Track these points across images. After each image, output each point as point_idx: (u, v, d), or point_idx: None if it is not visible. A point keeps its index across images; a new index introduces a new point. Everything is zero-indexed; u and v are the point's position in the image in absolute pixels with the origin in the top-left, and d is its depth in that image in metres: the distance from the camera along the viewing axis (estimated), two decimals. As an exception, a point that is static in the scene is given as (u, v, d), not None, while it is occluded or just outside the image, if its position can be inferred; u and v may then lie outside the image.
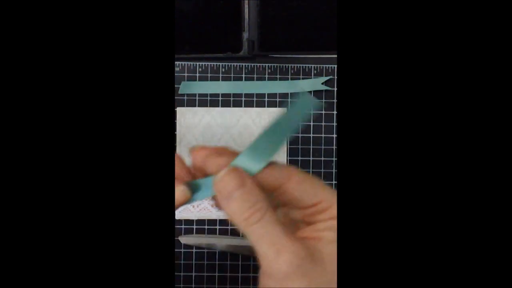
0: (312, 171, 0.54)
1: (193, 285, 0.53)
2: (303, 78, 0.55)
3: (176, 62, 0.55)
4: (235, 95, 0.55)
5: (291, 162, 0.54)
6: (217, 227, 0.53)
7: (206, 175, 0.26)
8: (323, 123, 0.54)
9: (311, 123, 0.54)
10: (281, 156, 0.54)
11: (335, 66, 0.55)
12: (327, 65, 0.55)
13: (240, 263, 0.53)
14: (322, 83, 0.55)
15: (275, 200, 0.26)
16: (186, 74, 0.55)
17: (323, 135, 0.54)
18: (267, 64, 0.55)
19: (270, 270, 0.23)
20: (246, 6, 0.53)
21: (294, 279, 0.23)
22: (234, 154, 0.26)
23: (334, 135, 0.54)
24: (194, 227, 0.53)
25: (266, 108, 0.54)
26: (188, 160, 0.26)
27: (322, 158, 0.54)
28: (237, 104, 0.55)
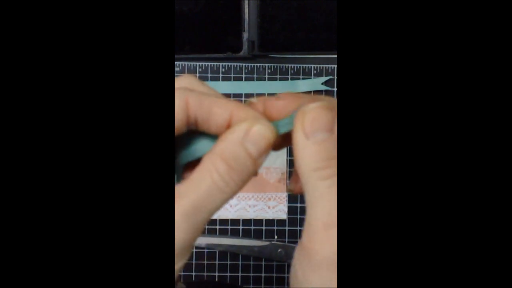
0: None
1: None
2: (303, 78, 0.55)
3: (176, 62, 0.55)
4: (235, 95, 0.55)
5: (291, 162, 0.54)
6: (217, 227, 0.54)
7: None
8: (323, 123, 0.54)
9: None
10: (281, 156, 0.54)
11: (335, 66, 0.55)
12: (327, 65, 0.55)
13: (240, 263, 0.53)
14: (322, 83, 0.55)
15: None
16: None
17: (323, 135, 0.54)
18: (267, 64, 0.55)
19: (310, 244, 0.20)
20: (246, 6, 0.53)
21: (329, 268, 0.20)
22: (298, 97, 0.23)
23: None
24: (194, 227, 0.53)
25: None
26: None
27: (322, 158, 0.54)
28: (237, 104, 0.55)
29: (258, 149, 0.21)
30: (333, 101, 0.23)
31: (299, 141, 0.21)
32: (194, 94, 0.22)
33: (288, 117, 0.22)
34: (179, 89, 0.22)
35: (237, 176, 0.21)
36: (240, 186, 0.21)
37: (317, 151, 0.20)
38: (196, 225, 0.21)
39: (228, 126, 0.22)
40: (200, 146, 0.24)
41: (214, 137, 0.23)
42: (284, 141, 0.24)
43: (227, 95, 0.55)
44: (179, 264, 0.22)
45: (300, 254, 0.21)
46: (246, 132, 0.21)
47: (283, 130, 0.22)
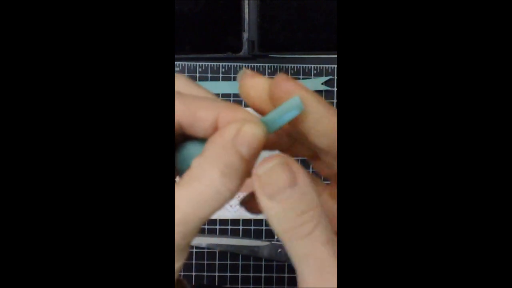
0: (312, 171, 0.54)
1: (193, 284, 0.53)
2: (303, 78, 0.55)
3: (176, 62, 0.55)
4: (235, 95, 0.55)
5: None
6: (217, 227, 0.53)
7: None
8: (323, 123, 0.54)
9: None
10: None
11: (335, 66, 0.55)
12: (327, 65, 0.55)
13: (240, 263, 0.53)
14: (322, 83, 0.55)
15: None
16: (186, 74, 0.55)
17: (323, 135, 0.54)
18: (267, 64, 0.55)
19: None
20: (246, 6, 0.53)
21: None
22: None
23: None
24: (194, 227, 0.53)
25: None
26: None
27: (322, 158, 0.54)
28: (237, 104, 0.55)
29: (249, 150, 0.20)
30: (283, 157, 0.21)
31: (264, 204, 0.20)
32: (177, 100, 0.21)
33: (276, 109, 0.22)
34: None
35: (229, 182, 0.20)
36: (233, 191, 0.20)
37: (287, 210, 0.19)
38: (186, 234, 0.20)
39: (216, 128, 0.21)
40: (191, 150, 0.23)
41: (204, 140, 0.22)
42: (277, 138, 0.24)
43: (227, 95, 0.55)
44: (176, 265, 0.21)
45: None
46: (235, 133, 0.20)
47: (274, 126, 0.21)
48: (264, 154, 0.20)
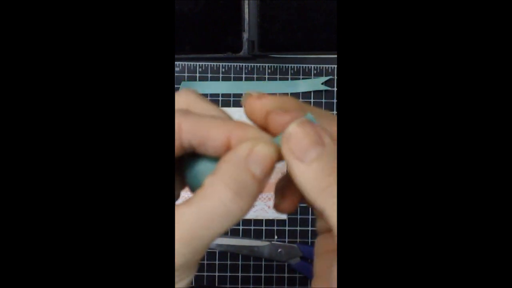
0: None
1: (193, 285, 0.53)
2: (303, 78, 0.55)
3: (176, 62, 0.55)
4: (235, 95, 0.55)
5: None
6: (217, 227, 0.53)
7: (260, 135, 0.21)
8: (323, 123, 0.54)
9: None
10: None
11: (335, 66, 0.55)
12: (327, 65, 0.55)
13: (240, 263, 0.53)
14: (322, 83, 0.55)
15: None
16: (186, 74, 0.55)
17: (323, 135, 0.54)
18: (267, 64, 0.55)
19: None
20: (246, 6, 0.53)
21: None
22: (301, 107, 0.22)
23: (334, 135, 0.54)
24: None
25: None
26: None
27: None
28: (237, 104, 0.55)
29: (262, 169, 0.20)
30: (319, 111, 0.22)
31: (295, 167, 0.20)
32: (187, 119, 0.21)
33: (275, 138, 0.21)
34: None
35: (242, 202, 0.20)
36: (245, 210, 0.20)
37: (318, 170, 0.20)
38: (196, 250, 0.20)
39: (227, 147, 0.21)
40: (202, 167, 0.22)
41: (215, 158, 0.22)
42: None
43: (227, 95, 0.55)
44: (185, 281, 0.21)
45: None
46: (248, 152, 0.20)
47: None
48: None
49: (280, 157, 0.21)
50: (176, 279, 0.21)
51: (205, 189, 0.20)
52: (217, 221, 0.20)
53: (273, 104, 0.22)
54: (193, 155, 0.23)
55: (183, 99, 0.23)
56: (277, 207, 0.24)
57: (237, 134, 0.21)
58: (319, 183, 0.20)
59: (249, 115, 0.23)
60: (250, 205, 0.20)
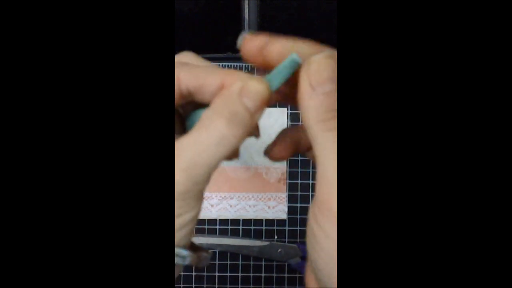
0: (312, 171, 0.54)
1: (193, 285, 0.53)
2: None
3: (176, 62, 0.55)
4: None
5: (291, 162, 0.54)
6: (217, 227, 0.53)
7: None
8: (323, 123, 0.54)
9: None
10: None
11: (335, 66, 0.55)
12: (327, 65, 0.55)
13: (240, 263, 0.53)
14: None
15: None
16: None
17: (323, 135, 0.54)
18: (267, 64, 0.55)
19: (327, 197, 0.21)
20: (246, 6, 0.53)
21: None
22: (292, 41, 0.24)
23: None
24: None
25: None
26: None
27: (322, 158, 0.54)
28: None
29: (254, 102, 0.22)
30: (332, 51, 0.23)
31: (306, 92, 0.21)
32: (184, 68, 0.23)
33: (278, 67, 0.23)
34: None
35: (235, 129, 0.22)
36: (238, 140, 0.22)
37: (323, 102, 0.21)
38: (196, 179, 0.22)
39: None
40: (200, 114, 0.24)
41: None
42: (279, 96, 0.25)
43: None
44: (188, 214, 0.22)
45: (317, 209, 0.22)
46: (241, 88, 0.22)
47: (275, 83, 0.23)
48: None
49: (270, 94, 0.23)
50: (179, 211, 0.22)
51: (201, 120, 0.22)
52: (213, 147, 0.21)
53: (267, 40, 0.24)
54: (192, 107, 0.25)
55: (182, 56, 0.25)
56: (268, 153, 0.27)
57: (230, 78, 0.23)
58: (321, 114, 0.21)
59: (246, 56, 0.25)
60: (244, 134, 0.22)
